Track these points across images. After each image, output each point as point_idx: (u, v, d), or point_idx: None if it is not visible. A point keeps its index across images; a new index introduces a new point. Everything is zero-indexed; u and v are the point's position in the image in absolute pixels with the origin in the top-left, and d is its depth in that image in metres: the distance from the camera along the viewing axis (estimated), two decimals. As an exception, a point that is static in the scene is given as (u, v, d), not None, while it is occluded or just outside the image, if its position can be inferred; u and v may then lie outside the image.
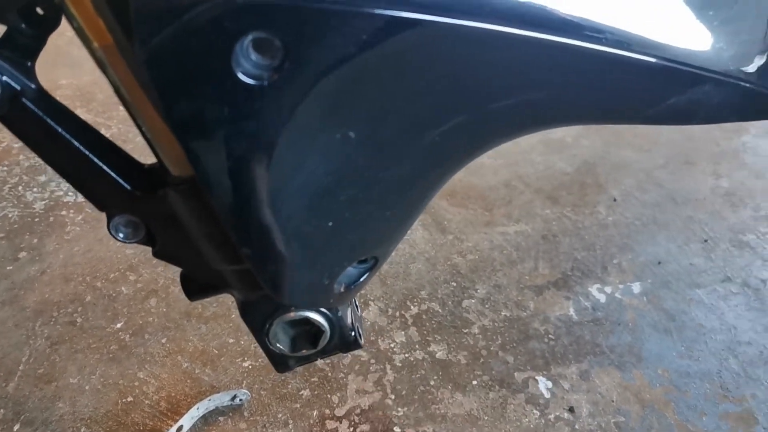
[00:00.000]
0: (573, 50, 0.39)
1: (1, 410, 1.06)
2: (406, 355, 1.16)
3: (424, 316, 1.23)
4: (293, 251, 0.45)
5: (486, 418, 1.06)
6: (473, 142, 0.48)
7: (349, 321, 0.55)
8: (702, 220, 1.48)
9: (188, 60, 0.34)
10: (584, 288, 1.30)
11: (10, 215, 1.48)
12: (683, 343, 1.18)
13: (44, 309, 1.24)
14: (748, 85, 0.45)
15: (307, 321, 0.54)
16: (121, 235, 0.51)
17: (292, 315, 0.53)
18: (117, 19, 0.38)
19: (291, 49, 0.34)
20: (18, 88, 0.44)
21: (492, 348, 1.17)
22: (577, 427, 1.04)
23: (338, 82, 0.37)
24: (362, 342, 0.57)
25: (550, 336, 1.20)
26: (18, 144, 1.69)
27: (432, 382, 1.11)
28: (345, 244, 0.48)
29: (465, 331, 1.20)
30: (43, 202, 1.52)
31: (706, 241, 1.42)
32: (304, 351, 0.56)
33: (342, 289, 0.51)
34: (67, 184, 1.54)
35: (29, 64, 0.45)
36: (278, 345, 0.55)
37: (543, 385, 1.11)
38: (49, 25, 0.46)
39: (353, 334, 0.55)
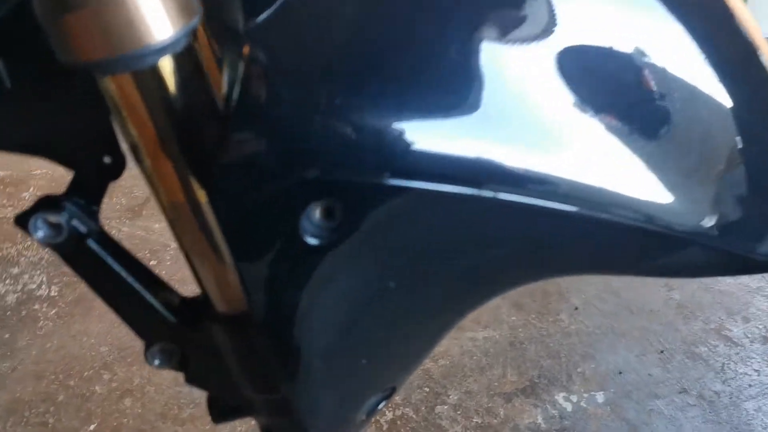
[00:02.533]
0: (576, 218, 0.46)
1: None
2: (382, 463, 1.18)
3: (398, 422, 1.26)
4: (330, 389, 0.50)
5: None
6: (486, 291, 0.54)
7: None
8: (657, 330, 1.57)
9: (261, 224, 0.40)
10: (551, 396, 1.35)
11: (-20, 308, 1.47)
12: None
13: (15, 408, 1.23)
14: (727, 249, 0.53)
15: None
16: (156, 361, 0.54)
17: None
18: (195, 184, 0.44)
19: (348, 214, 0.40)
20: (84, 231, 0.48)
21: (465, 456, 1.21)
22: None
23: (386, 243, 0.43)
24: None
25: (520, 444, 1.24)
26: (-10, 234, 1.69)
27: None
28: (374, 378, 0.52)
29: (439, 438, 1.24)
30: (16, 295, 1.51)
31: (662, 351, 1.50)
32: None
33: (363, 417, 0.55)
34: (41, 277, 1.55)
35: (94, 208, 0.50)
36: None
37: None
38: (114, 173, 0.51)
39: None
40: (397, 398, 1.32)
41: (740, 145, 0.53)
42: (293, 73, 0.41)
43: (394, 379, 0.56)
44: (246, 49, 0.40)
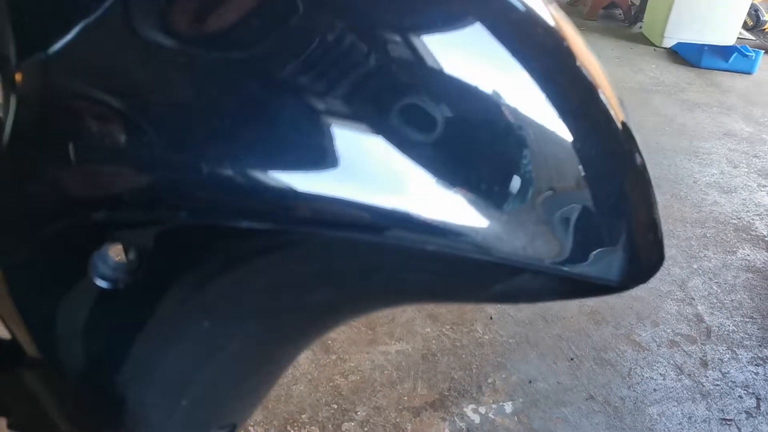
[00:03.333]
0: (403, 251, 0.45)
1: None
2: (284, 485, 1.16)
3: (304, 441, 1.25)
4: (154, 430, 0.48)
5: None
6: (316, 327, 0.53)
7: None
8: (569, 338, 1.59)
9: (46, 268, 0.38)
10: (460, 408, 1.36)
11: None
12: None
13: None
14: (559, 272, 0.53)
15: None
16: (-26, 406, 0.52)
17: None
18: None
19: (144, 255, 0.39)
20: None
21: (369, 474, 1.20)
22: None
23: (192, 283, 0.41)
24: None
25: (425, 459, 1.23)
26: None
27: None
28: (201, 419, 0.51)
29: (343, 456, 1.23)
30: None
31: (572, 359, 1.52)
32: None
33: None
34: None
35: None
36: None
37: None
38: None
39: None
40: (303, 416, 1.30)
41: (581, 175, 0.53)
42: (82, 107, 0.39)
43: (229, 417, 0.54)
44: (24, 83, 0.38)
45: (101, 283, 0.39)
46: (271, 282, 0.45)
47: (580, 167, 0.53)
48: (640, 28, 4.47)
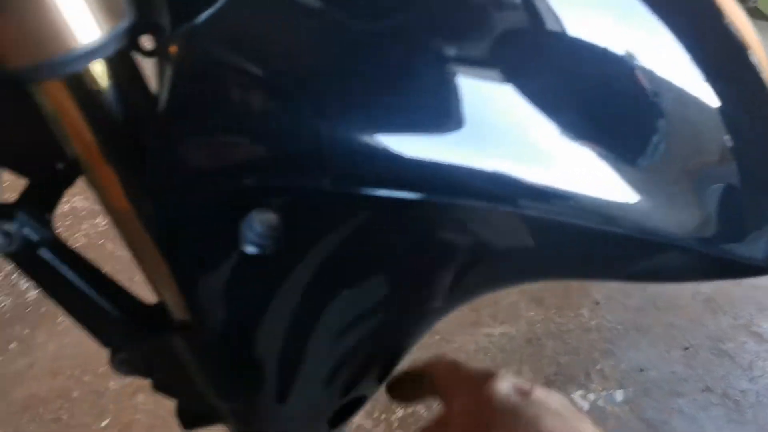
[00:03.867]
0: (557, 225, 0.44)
1: None
2: (391, 462, 1.17)
3: (409, 419, 1.24)
4: (290, 397, 0.48)
5: None
6: (455, 298, 0.52)
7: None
8: (683, 326, 1.52)
9: (198, 232, 0.38)
10: (567, 394, 1.32)
11: (2, 304, 1.50)
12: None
13: (31, 404, 1.25)
14: (706, 251, 0.50)
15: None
16: (123, 369, 0.53)
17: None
18: (137, 191, 0.43)
19: (289, 223, 0.38)
20: (36, 239, 0.47)
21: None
22: None
23: (336, 251, 0.41)
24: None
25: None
26: (15, 231, 1.72)
27: None
28: (336, 389, 0.51)
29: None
30: (36, 292, 1.54)
31: (686, 348, 1.45)
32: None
33: (329, 427, 0.54)
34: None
35: (47, 215, 0.49)
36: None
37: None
38: (68, 179, 0.50)
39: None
40: (408, 396, 1.30)
41: (730, 146, 0.49)
42: (229, 75, 0.39)
43: (361, 388, 0.54)
44: (176, 52, 0.38)
45: (249, 249, 0.39)
46: (415, 251, 0.44)
47: (735, 139, 0.49)
48: (755, 3, 4.20)
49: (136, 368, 0.54)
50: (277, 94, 0.37)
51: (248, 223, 0.38)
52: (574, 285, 1.65)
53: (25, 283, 1.57)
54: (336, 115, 0.38)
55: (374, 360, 0.52)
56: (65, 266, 0.49)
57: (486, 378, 0.47)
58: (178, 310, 0.49)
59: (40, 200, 0.49)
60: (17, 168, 0.49)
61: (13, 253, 0.47)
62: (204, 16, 0.39)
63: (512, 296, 1.60)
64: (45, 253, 0.48)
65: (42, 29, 0.34)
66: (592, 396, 1.32)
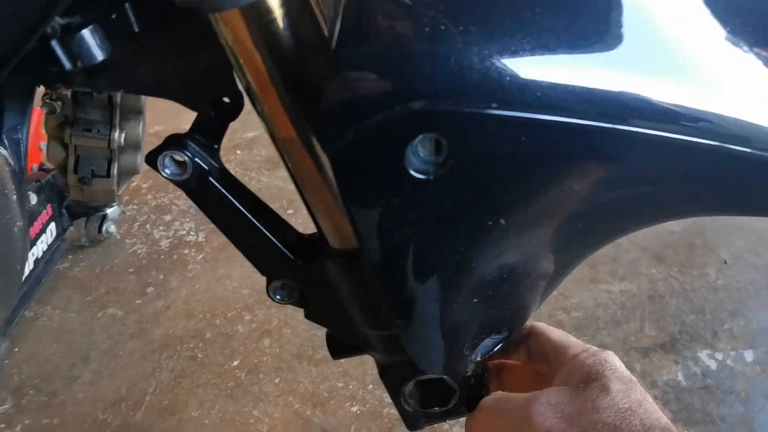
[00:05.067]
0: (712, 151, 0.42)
1: (130, 438, 1.15)
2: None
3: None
4: (442, 325, 0.49)
5: None
6: (618, 228, 0.51)
7: (479, 384, 0.59)
8: (820, 287, 1.43)
9: (368, 157, 0.40)
10: (693, 353, 1.28)
11: (138, 251, 1.60)
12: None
13: (169, 343, 1.33)
14: None
15: (441, 381, 0.58)
16: (278, 297, 0.56)
17: (428, 375, 0.57)
18: (305, 119, 0.45)
19: (455, 147, 0.39)
20: (206, 168, 0.51)
21: (597, 409, 1.17)
22: None
23: (497, 178, 0.41)
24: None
25: (658, 402, 1.18)
26: (147, 184, 1.82)
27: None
28: (488, 319, 0.52)
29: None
30: (168, 240, 1.63)
31: (824, 310, 1.37)
32: (435, 409, 0.60)
33: (478, 359, 0.55)
34: (190, 224, 1.66)
35: (216, 146, 0.52)
36: (412, 403, 0.59)
37: None
38: (233, 112, 0.52)
39: (484, 395, 0.59)
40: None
41: None
42: (395, 2, 0.39)
43: (512, 322, 0.55)
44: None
45: (415, 174, 0.40)
46: (571, 178, 0.43)
47: None
48: None
49: (290, 296, 0.57)
50: (444, 19, 0.37)
51: (413, 149, 0.39)
52: (698, 244, 1.58)
53: (158, 232, 1.66)
54: (499, 41, 0.37)
55: (524, 293, 0.52)
56: (231, 194, 0.52)
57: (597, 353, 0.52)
58: (336, 239, 0.51)
59: (208, 132, 0.52)
60: (187, 101, 0.52)
61: (185, 181, 0.51)
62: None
63: (632, 254, 1.55)
64: (214, 181, 0.51)
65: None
66: (719, 355, 1.27)
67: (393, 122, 0.38)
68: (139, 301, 1.45)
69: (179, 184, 0.51)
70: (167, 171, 0.50)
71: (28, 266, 1.33)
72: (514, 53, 0.38)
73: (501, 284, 0.50)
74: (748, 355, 1.27)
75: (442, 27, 0.37)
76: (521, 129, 0.39)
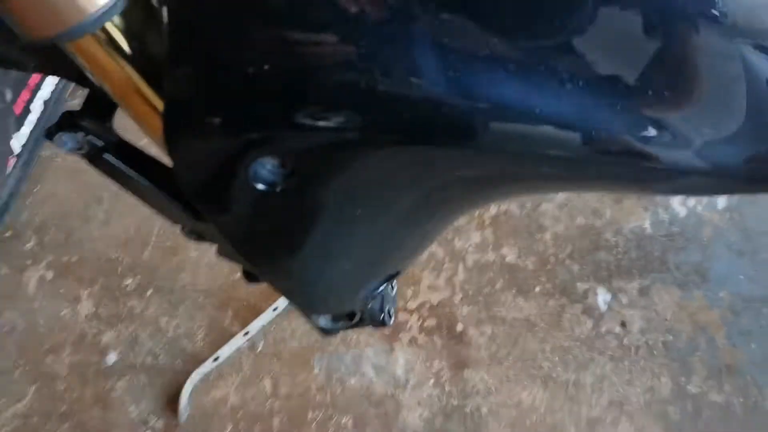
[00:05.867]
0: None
1: (139, 276, 1.30)
2: (478, 257, 1.26)
3: (501, 218, 1.31)
4: (320, 288, 0.56)
5: (542, 324, 1.17)
6: (466, 203, 0.55)
7: (378, 306, 0.67)
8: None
9: (211, 172, 0.44)
10: (665, 199, 1.32)
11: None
12: (754, 267, 1.20)
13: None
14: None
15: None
16: (192, 238, 0.63)
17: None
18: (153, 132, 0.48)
19: (296, 164, 0.43)
20: (100, 145, 0.55)
21: (560, 256, 1.25)
22: (625, 341, 1.14)
23: (337, 184, 0.45)
24: (391, 321, 0.68)
25: (619, 249, 1.25)
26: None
27: (498, 285, 1.22)
28: (364, 275, 0.58)
29: (537, 236, 1.28)
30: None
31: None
32: (342, 324, 0.69)
33: (367, 297, 0.62)
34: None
35: (108, 123, 0.56)
36: (321, 321, 0.68)
37: (602, 297, 1.19)
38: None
39: (382, 316, 0.67)
40: (503, 193, 1.35)
41: None
42: (217, 21, 0.40)
43: (390, 271, 0.61)
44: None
45: (260, 186, 0.44)
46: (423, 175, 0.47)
47: None
48: None
49: (201, 238, 0.63)
50: (268, 39, 0.39)
51: (258, 165, 0.43)
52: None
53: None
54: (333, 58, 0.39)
55: (403, 251, 0.58)
56: (128, 166, 0.56)
57: None
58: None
59: (101, 107, 0.55)
60: (77, 79, 0.55)
61: (84, 155, 0.55)
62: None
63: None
64: (109, 157, 0.55)
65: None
66: (691, 202, 1.30)
67: (230, 148, 0.42)
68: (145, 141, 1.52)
69: (81, 157, 0.56)
70: (67, 146, 0.55)
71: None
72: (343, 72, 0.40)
73: (371, 251, 0.55)
74: (721, 202, 1.30)
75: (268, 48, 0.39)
76: (355, 149, 0.42)
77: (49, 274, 1.33)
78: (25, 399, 1.19)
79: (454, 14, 0.37)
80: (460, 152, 0.42)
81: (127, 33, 0.43)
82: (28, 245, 1.37)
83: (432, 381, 1.14)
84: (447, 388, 1.13)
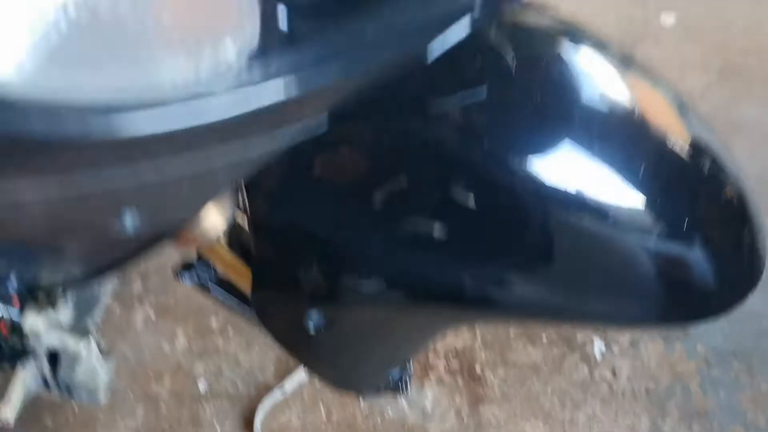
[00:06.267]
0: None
1: (221, 318, 1.62)
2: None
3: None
4: (353, 378, 0.84)
5: (546, 369, 1.42)
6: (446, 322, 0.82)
7: (398, 377, 0.94)
8: None
9: (285, 318, 0.73)
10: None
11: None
12: (729, 325, 1.42)
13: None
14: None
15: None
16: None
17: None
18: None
19: (330, 316, 0.71)
20: (205, 283, 0.85)
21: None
22: (614, 387, 1.38)
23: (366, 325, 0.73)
24: (408, 388, 0.96)
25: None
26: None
27: (512, 334, 1.48)
28: (384, 367, 0.86)
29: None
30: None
31: None
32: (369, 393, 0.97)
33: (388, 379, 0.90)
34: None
35: (213, 268, 0.86)
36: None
37: (598, 347, 1.43)
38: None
39: (400, 385, 0.95)
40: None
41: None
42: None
43: (409, 357, 0.88)
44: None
45: (311, 329, 0.72)
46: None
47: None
48: None
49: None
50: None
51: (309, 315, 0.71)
52: None
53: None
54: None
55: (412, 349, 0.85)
56: (225, 292, 0.86)
57: None
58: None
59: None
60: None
61: (196, 286, 0.86)
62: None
63: None
64: (213, 288, 0.85)
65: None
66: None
67: (291, 306, 0.71)
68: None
69: (197, 287, 0.86)
70: (186, 282, 0.85)
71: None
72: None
73: (390, 353, 0.83)
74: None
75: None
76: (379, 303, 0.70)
77: (152, 314, 1.66)
78: (135, 416, 1.52)
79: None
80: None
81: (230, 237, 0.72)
82: (136, 289, 1.71)
83: (453, 413, 1.41)
84: (465, 421, 1.40)
